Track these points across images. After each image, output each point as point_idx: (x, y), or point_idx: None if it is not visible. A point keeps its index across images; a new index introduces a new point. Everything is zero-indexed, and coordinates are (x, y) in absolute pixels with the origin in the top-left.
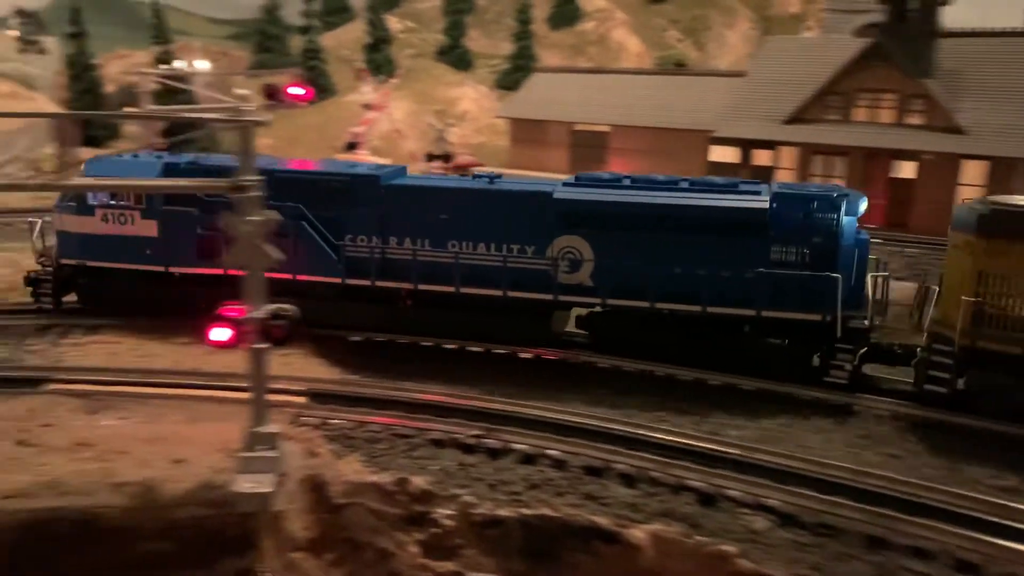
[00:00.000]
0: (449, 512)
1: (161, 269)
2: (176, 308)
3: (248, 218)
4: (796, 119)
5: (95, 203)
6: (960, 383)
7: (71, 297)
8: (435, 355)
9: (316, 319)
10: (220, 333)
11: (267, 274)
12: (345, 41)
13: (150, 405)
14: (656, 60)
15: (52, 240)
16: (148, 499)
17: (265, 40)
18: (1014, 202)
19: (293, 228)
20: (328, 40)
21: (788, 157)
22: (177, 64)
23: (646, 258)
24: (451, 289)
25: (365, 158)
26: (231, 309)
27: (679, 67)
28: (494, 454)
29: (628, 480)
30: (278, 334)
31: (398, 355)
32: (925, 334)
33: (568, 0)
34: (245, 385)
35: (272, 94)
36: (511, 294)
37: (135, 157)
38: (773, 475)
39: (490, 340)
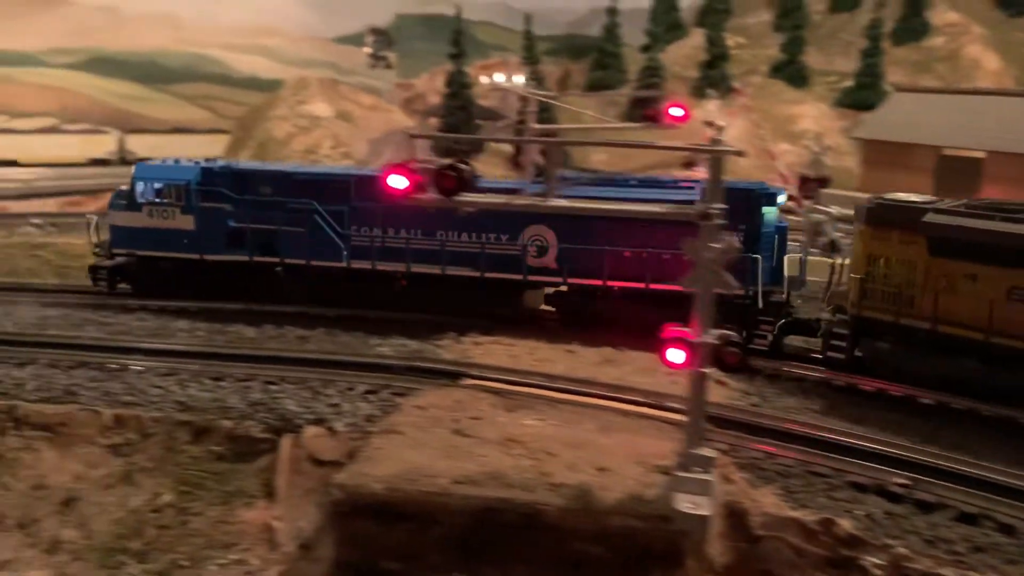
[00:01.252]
0: (879, 561)
1: (196, 257)
2: (209, 292)
3: (710, 245)
4: None
5: (142, 201)
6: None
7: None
8: (840, 391)
9: (325, 299)
10: (676, 355)
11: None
12: (677, 58)
13: (560, 409)
14: (1018, 80)
15: (106, 234)
16: (583, 502)
17: (603, 57)
18: (897, 198)
19: (307, 221)
20: (662, 57)
21: None
22: (496, 78)
23: (600, 244)
24: (439, 271)
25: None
26: (678, 331)
27: None
28: (926, 508)
29: None
30: (731, 360)
31: (792, 387)
32: (829, 308)
33: (915, 14)
34: (647, 400)
35: (653, 116)
36: (488, 275)
37: (176, 162)
38: None
39: (471, 315)
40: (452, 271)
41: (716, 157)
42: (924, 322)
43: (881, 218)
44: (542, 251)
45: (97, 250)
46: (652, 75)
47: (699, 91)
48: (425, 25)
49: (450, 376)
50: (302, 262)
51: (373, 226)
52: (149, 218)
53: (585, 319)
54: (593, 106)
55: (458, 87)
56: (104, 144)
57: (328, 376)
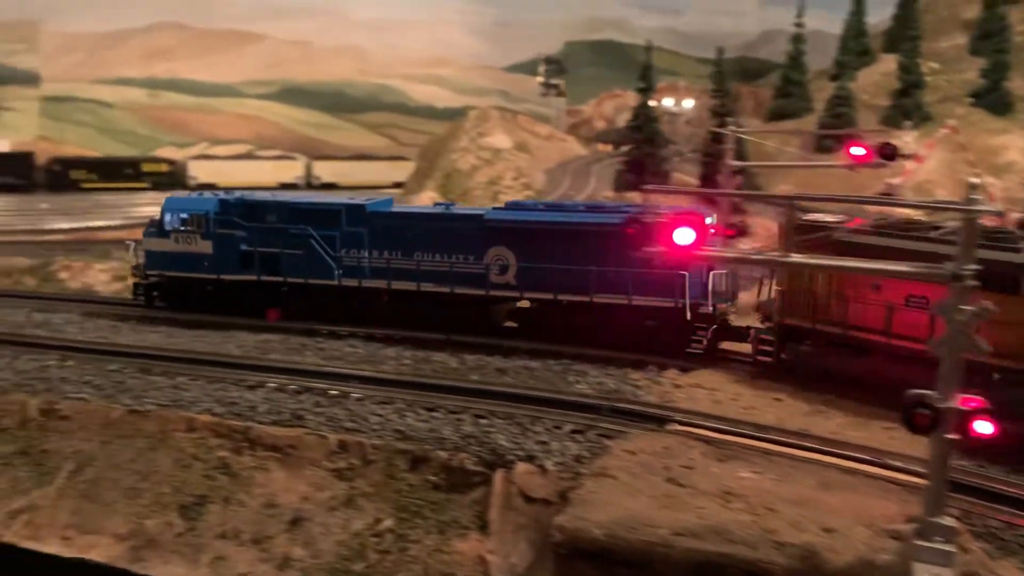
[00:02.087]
0: None
1: (214, 277)
2: (228, 309)
3: (962, 307)
4: None
5: (170, 229)
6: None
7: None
8: None
9: (318, 314)
10: (983, 427)
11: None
12: (866, 85)
13: (775, 462)
14: None
15: (142, 257)
16: (810, 564)
17: (786, 85)
18: (811, 218)
19: (304, 244)
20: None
21: None
22: (665, 103)
23: (550, 262)
24: (415, 287)
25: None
26: (970, 399)
27: None
28: None
29: None
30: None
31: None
32: (759, 316)
33: None
34: (869, 458)
35: (863, 158)
36: (457, 291)
37: (200, 195)
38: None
39: (444, 329)
40: (426, 287)
41: (969, 216)
42: (837, 327)
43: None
44: (504, 270)
45: (135, 271)
46: (841, 104)
47: (891, 121)
48: (593, 51)
49: (656, 420)
50: (301, 281)
51: (360, 248)
52: (176, 244)
53: (543, 330)
54: (776, 136)
55: (644, 119)
56: (293, 169)
57: (534, 413)
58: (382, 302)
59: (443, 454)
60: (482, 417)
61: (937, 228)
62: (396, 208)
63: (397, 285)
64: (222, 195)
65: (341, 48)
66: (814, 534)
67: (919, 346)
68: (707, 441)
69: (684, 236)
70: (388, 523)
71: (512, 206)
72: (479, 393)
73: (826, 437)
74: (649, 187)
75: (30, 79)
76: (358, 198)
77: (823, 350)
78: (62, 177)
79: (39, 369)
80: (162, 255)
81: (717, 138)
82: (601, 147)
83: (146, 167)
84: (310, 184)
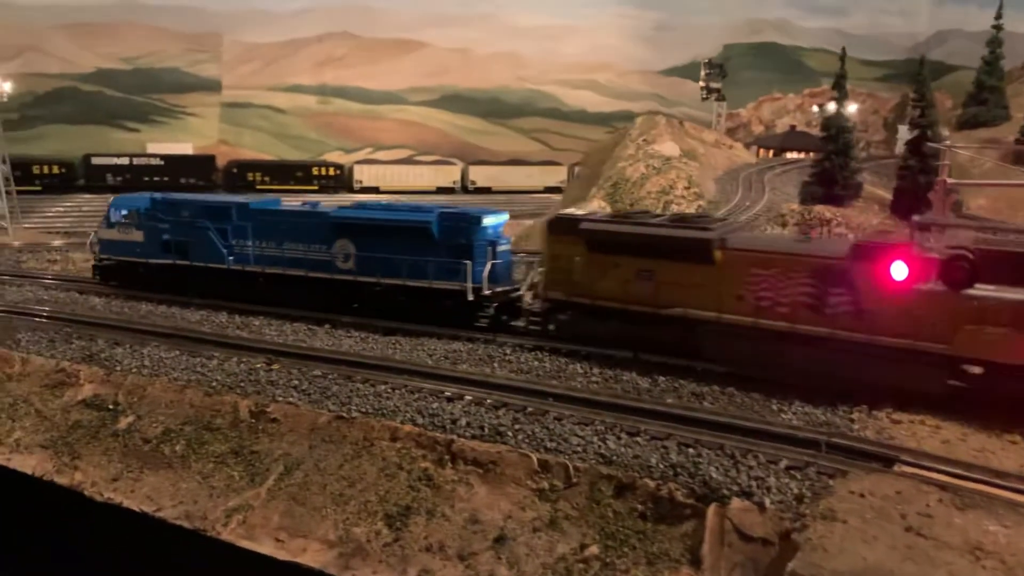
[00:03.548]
0: None
1: (144, 261)
2: (154, 287)
3: None
4: None
5: (115, 221)
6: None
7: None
8: None
9: (210, 293)
10: None
11: (195, 263)
12: None
13: (1021, 514)
14: None
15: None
16: None
17: (980, 92)
18: (567, 213)
19: (204, 235)
20: None
21: None
22: (829, 108)
23: (377, 251)
24: (281, 271)
25: None
26: None
27: None
28: None
29: None
30: None
31: None
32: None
33: None
34: None
35: None
36: (311, 275)
37: (140, 195)
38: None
39: (309, 308)
40: (290, 272)
41: None
42: (587, 299)
43: (557, 227)
44: (347, 258)
45: (94, 255)
46: None
47: None
48: (752, 54)
49: (880, 460)
50: (202, 264)
51: (246, 239)
52: (118, 233)
53: (375, 310)
54: (972, 148)
55: (836, 130)
56: (451, 174)
57: (744, 444)
58: (259, 283)
59: (650, 483)
60: (688, 446)
61: (657, 215)
62: (273, 207)
63: (270, 269)
64: (155, 195)
65: (499, 55)
66: None
67: (649, 309)
68: (942, 487)
69: (899, 271)
70: (594, 550)
71: (357, 206)
72: (682, 419)
73: None
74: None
75: (212, 86)
76: (255, 199)
77: (578, 318)
78: (239, 179)
79: (248, 371)
80: (110, 243)
81: (916, 150)
82: (761, 153)
83: (316, 171)
84: (465, 188)
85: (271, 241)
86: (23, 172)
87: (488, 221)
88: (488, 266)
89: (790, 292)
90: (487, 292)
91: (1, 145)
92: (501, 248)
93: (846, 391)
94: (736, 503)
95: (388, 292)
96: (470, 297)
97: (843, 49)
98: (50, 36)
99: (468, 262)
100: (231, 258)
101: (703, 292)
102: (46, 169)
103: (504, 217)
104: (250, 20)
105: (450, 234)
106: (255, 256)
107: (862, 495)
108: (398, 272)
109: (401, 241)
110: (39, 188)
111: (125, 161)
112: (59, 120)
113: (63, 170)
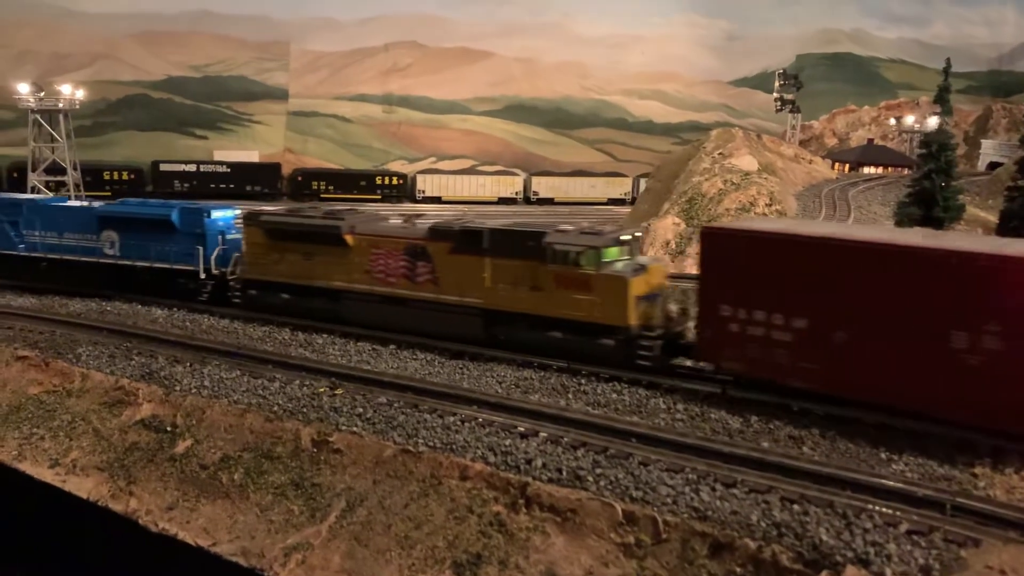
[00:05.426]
0: None
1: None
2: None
3: None
4: None
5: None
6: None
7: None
8: None
9: (4, 275)
10: None
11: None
12: None
13: None
14: None
15: None
16: None
17: None
18: (256, 208)
19: (2, 227)
20: None
21: None
22: (907, 121)
23: (132, 239)
24: (59, 256)
25: None
26: None
27: None
28: None
29: None
30: None
31: None
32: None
33: None
34: None
35: None
36: (82, 259)
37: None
38: None
39: (87, 286)
40: (66, 257)
41: None
42: (269, 277)
43: (248, 220)
44: (112, 245)
45: None
46: None
47: None
48: (825, 64)
49: (1018, 528)
50: (4, 252)
51: (35, 230)
52: None
53: (133, 286)
54: None
55: (938, 147)
56: (513, 184)
57: (856, 501)
58: (41, 267)
59: (751, 543)
60: (793, 501)
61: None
62: (54, 203)
63: (51, 255)
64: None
65: (564, 64)
66: None
67: (307, 283)
68: None
69: None
70: None
71: (119, 203)
72: (783, 469)
73: None
74: None
75: (279, 95)
76: (44, 197)
77: (262, 293)
78: (304, 187)
79: (310, 396)
80: None
81: None
82: (836, 167)
83: (379, 180)
84: (528, 199)
85: (54, 231)
86: (94, 178)
87: (217, 215)
88: (216, 251)
89: (394, 265)
90: (216, 272)
91: (73, 152)
92: (230, 237)
93: (964, 441)
94: (851, 572)
95: (140, 272)
96: (202, 276)
97: (947, 60)
98: (123, 44)
99: (201, 248)
100: (22, 246)
101: (342, 268)
102: (116, 175)
103: (233, 212)
104: (317, 29)
105: (188, 225)
106: (40, 244)
107: (1003, 572)
108: (148, 255)
109: (151, 230)
110: (109, 194)
111: (192, 168)
112: (130, 127)
113: (132, 176)
